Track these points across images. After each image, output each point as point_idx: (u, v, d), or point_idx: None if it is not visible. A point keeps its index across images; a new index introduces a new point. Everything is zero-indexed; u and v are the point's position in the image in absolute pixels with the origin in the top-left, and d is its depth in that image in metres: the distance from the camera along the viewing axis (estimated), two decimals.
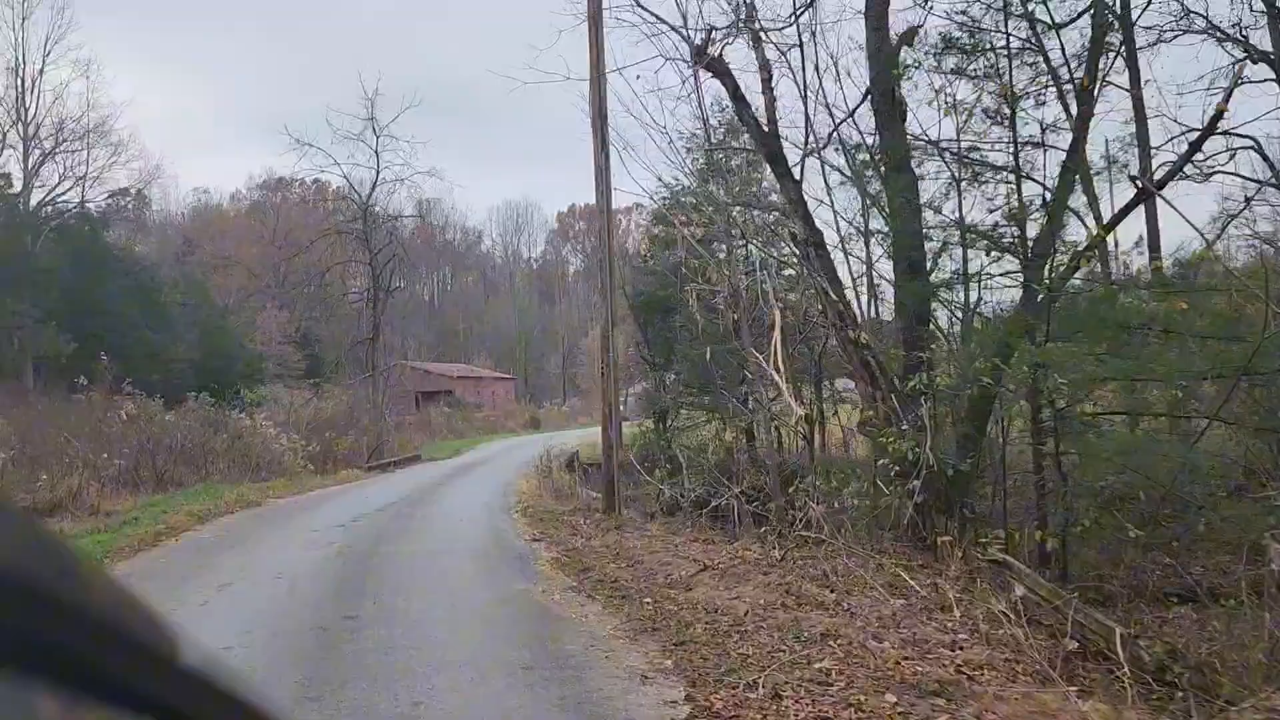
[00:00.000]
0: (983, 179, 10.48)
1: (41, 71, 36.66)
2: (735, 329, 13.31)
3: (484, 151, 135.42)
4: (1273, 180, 11.83)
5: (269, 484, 17.95)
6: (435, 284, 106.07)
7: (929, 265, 10.85)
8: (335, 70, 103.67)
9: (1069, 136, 9.70)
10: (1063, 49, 9.88)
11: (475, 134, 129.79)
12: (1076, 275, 9.53)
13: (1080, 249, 9.35)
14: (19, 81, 35.92)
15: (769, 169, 11.98)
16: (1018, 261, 9.67)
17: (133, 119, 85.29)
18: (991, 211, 10.47)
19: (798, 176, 11.09)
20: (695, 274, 14.38)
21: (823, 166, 12.49)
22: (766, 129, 11.06)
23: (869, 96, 10.87)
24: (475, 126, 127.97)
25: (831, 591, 6.85)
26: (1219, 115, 8.84)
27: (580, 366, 76.44)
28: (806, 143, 11.52)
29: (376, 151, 30.82)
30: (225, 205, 77.55)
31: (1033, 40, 10.01)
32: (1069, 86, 9.93)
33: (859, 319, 11.18)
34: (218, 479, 17.49)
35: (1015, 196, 9.62)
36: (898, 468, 8.63)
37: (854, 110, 11.52)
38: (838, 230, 13.35)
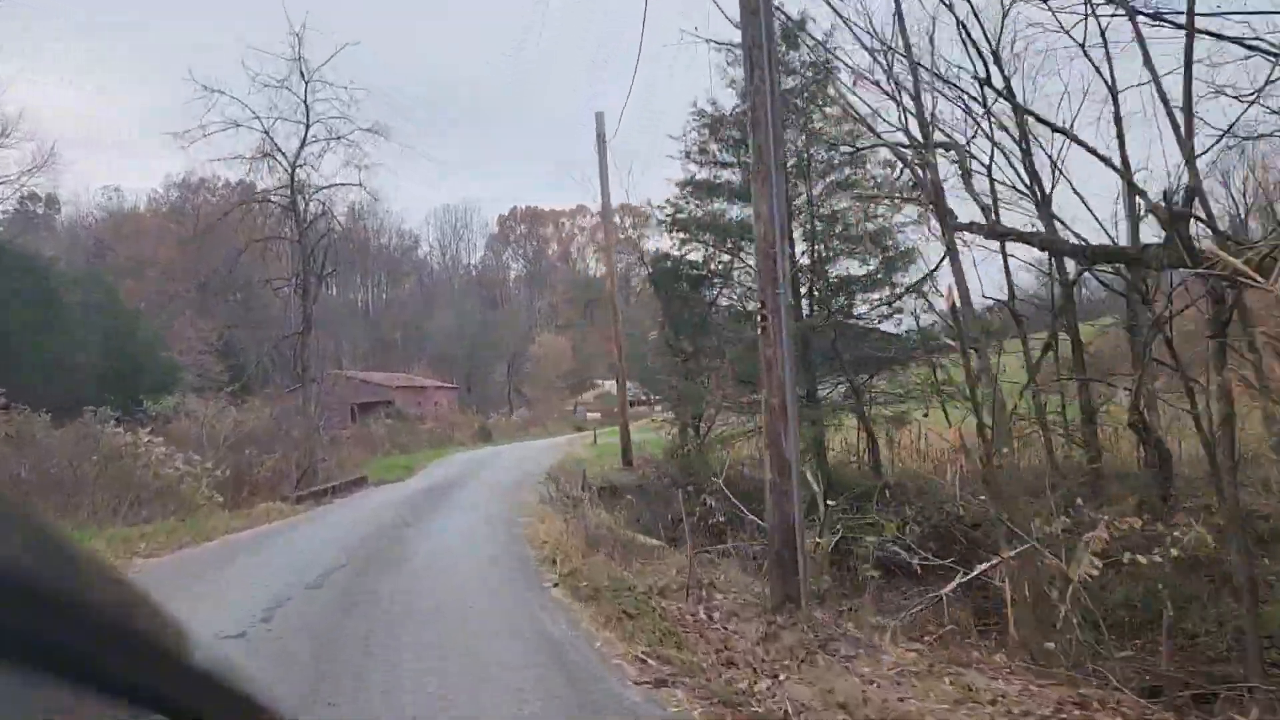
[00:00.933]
0: None
1: None
2: None
3: (420, 156, 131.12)
4: None
5: (150, 527, 12.86)
6: (371, 291, 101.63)
7: None
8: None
9: None
10: None
11: (415, 134, 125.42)
12: None
13: None
14: None
15: None
16: None
17: (33, 102, 79.20)
18: None
19: None
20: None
21: None
22: None
23: None
24: (416, 127, 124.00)
25: None
26: None
27: (527, 374, 73.11)
28: None
29: (305, 101, 25.83)
30: (142, 208, 72.51)
31: None
32: None
33: None
34: (86, 517, 12.83)
35: None
36: None
37: None
38: None
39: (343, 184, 26.83)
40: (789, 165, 13.04)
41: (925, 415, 15.24)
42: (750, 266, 11.63)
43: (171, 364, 35.08)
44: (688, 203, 17.27)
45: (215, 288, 43.58)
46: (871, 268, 15.91)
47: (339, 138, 25.34)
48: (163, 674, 0.50)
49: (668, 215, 17.30)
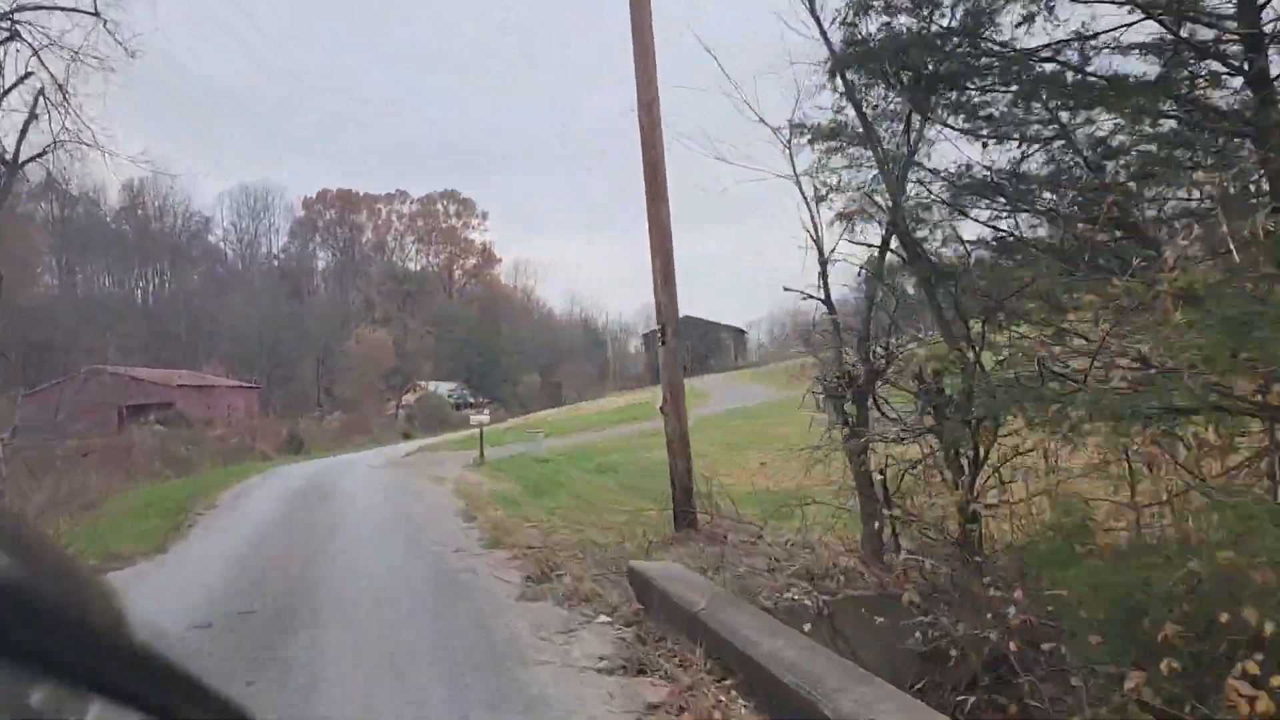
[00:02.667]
0: None
1: None
2: None
3: (214, 130, 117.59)
4: None
5: None
6: (151, 280, 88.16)
7: None
8: None
9: None
10: None
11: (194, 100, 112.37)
12: None
13: None
14: None
15: None
16: None
17: None
18: None
19: None
20: None
21: None
22: None
23: None
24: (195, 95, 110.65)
25: None
26: None
27: (340, 373, 64.40)
28: None
29: None
30: None
31: None
32: None
33: None
34: None
35: None
36: None
37: None
38: None
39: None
40: None
41: None
42: None
43: None
44: None
45: None
46: None
47: None
48: (132, 669, 0.52)
49: None
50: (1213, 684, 3.12)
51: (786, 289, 7.53)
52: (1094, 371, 4.20)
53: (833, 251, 7.36)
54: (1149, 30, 5.84)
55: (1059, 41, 6.16)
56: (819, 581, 5.62)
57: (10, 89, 18.32)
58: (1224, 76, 5.81)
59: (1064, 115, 6.31)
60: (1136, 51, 5.90)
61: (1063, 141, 6.42)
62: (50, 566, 0.52)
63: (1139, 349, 4.04)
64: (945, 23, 6.55)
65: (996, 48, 6.37)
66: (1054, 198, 6.66)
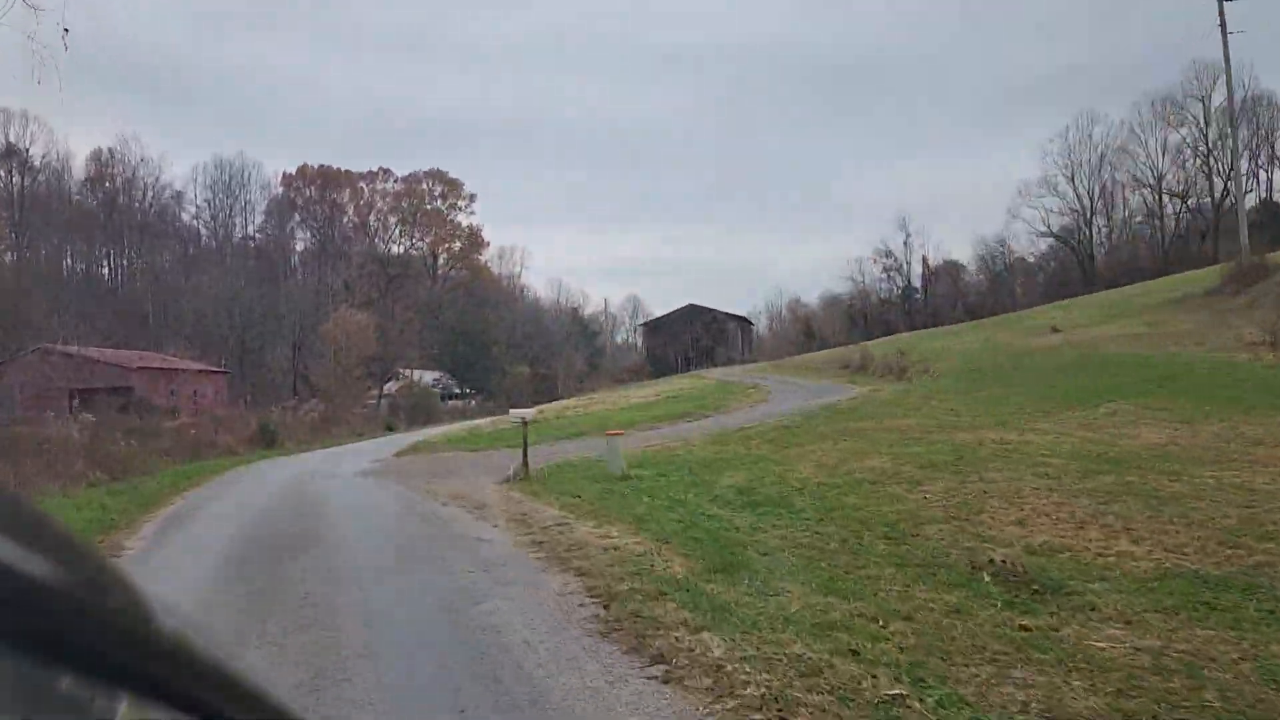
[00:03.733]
0: None
1: None
2: None
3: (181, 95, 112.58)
4: None
5: None
6: (115, 258, 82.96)
7: None
8: None
9: None
10: None
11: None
12: None
13: None
14: None
15: None
16: None
17: None
18: None
19: None
20: None
21: None
22: None
23: None
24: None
25: None
26: None
27: (317, 359, 59.98)
28: None
29: None
30: None
31: None
32: None
33: None
34: None
35: None
36: None
37: None
38: None
39: None
40: None
41: None
42: None
43: None
44: None
45: None
46: None
47: None
48: (162, 664, 0.50)
49: None
50: None
51: None
52: None
53: None
54: None
55: None
56: None
57: None
58: None
59: None
60: None
61: None
62: (66, 553, 0.47)
63: None
64: None
65: None
66: None
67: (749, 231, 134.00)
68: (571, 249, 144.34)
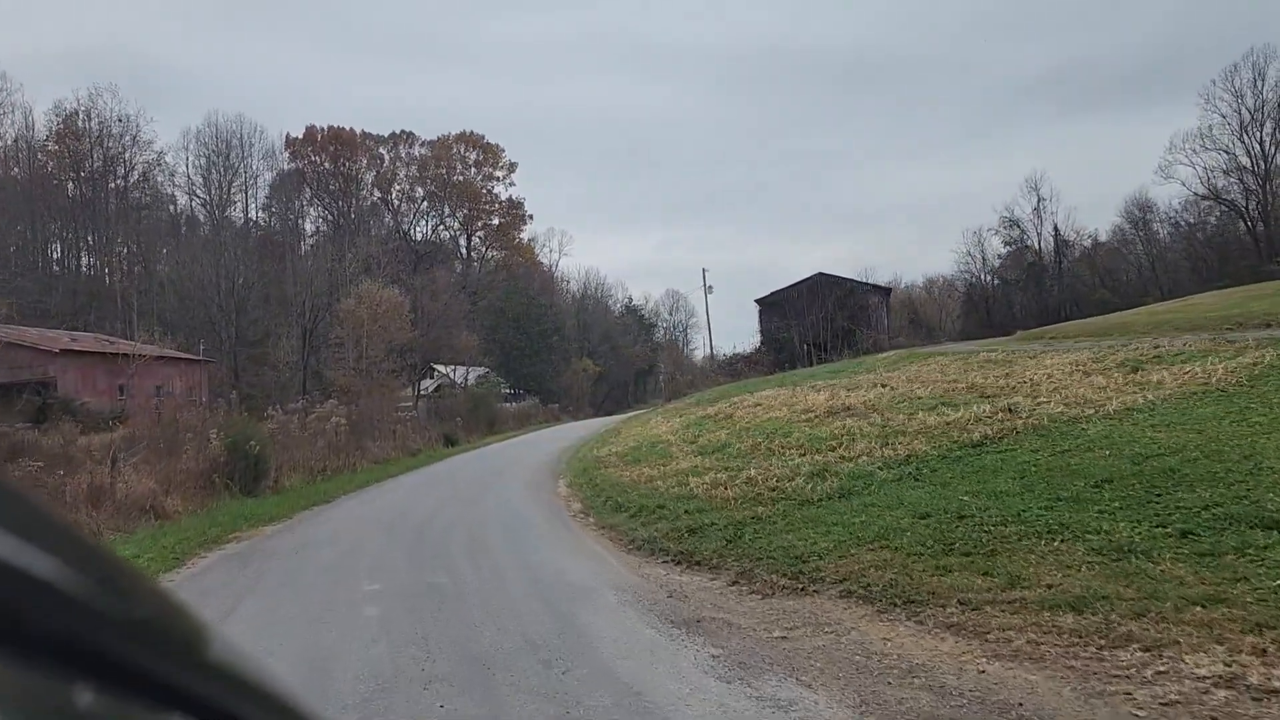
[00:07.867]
0: None
1: None
2: None
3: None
4: None
5: None
6: (81, 228, 67.33)
7: None
8: None
9: None
10: None
11: None
12: None
13: None
14: None
15: None
16: None
17: None
18: None
19: None
20: None
21: None
22: None
23: None
24: None
25: None
26: None
27: (334, 348, 45.13)
28: None
29: None
30: None
31: None
32: None
33: None
34: None
35: None
36: None
37: None
38: None
39: None
40: None
41: None
42: None
43: None
44: None
45: None
46: None
47: None
48: (193, 675, 0.50)
49: None
50: None
51: None
52: None
53: None
54: None
55: None
56: None
57: None
58: None
59: None
60: None
61: None
62: (94, 567, 0.46)
63: None
64: None
65: None
66: None
67: (786, 228, 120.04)
68: (594, 248, 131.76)
